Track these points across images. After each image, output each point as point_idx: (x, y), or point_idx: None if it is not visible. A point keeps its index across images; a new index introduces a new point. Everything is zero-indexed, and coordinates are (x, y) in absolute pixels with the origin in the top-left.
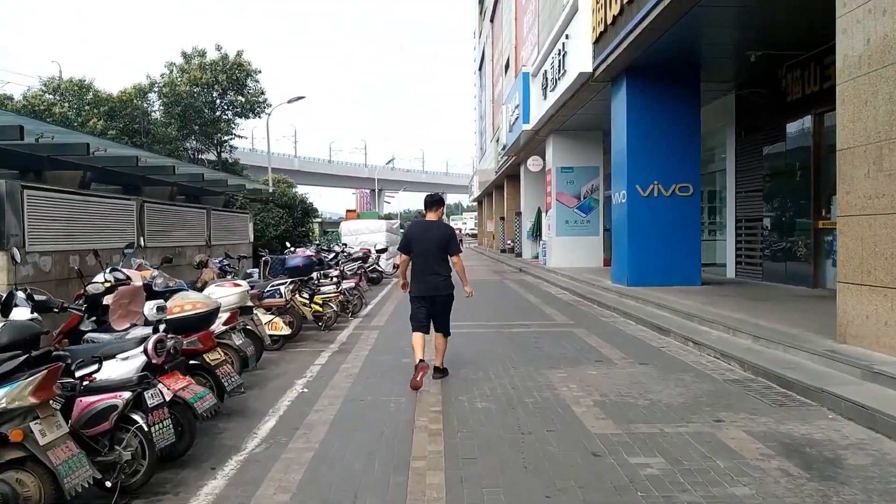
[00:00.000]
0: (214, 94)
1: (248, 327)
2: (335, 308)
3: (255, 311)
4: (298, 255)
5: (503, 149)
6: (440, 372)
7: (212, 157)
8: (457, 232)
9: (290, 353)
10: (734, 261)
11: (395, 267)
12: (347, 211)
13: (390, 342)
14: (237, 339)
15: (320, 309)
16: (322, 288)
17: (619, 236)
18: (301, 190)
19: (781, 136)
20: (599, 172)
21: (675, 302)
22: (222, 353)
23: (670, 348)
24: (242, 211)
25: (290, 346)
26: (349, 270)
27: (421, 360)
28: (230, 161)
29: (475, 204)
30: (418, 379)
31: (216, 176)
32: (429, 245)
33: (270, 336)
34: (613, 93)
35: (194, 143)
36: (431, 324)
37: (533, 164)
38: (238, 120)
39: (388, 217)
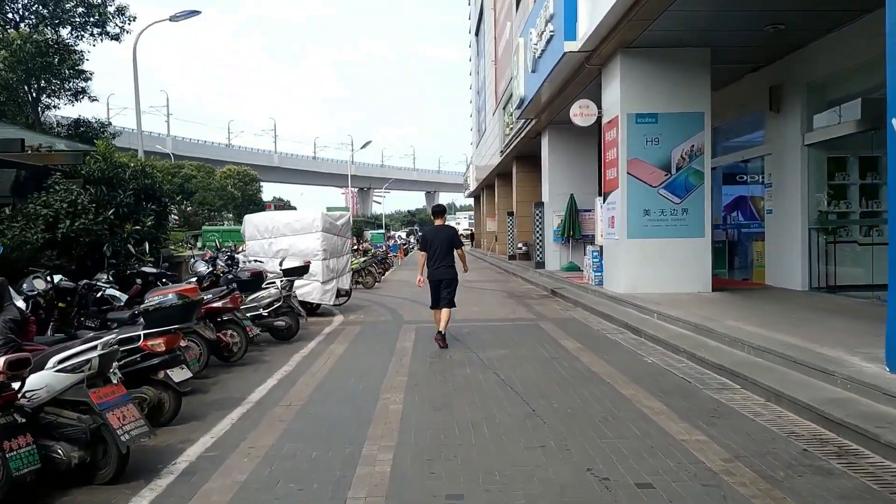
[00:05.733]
0: None
1: None
2: None
3: None
4: None
5: (519, 106)
6: (440, 335)
7: (69, 112)
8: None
9: None
10: None
11: (343, 294)
12: (266, 203)
13: None
14: None
15: None
16: None
17: None
18: (281, 189)
19: None
20: (705, 122)
21: None
22: None
23: None
24: None
25: None
26: None
27: (440, 333)
28: (86, 122)
29: (471, 201)
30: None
31: None
32: (441, 243)
33: None
34: None
35: (34, 90)
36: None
37: (582, 112)
38: (82, 46)
39: (375, 217)
